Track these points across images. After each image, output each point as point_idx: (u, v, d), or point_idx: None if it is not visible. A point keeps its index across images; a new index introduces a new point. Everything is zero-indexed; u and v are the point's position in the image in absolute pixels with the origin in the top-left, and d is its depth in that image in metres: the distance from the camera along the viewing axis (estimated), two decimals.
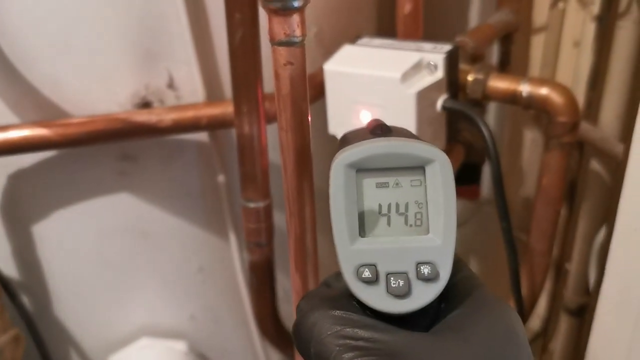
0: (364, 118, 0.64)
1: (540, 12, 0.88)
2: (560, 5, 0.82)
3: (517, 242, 0.95)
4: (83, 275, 0.75)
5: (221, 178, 0.72)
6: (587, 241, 0.85)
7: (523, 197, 0.99)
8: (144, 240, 0.73)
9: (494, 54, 0.92)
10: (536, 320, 0.95)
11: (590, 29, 0.77)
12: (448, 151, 0.75)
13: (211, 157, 0.71)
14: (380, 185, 0.33)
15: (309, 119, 0.43)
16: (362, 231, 0.33)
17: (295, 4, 0.39)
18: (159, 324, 0.79)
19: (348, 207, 0.32)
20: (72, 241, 0.73)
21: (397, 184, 0.33)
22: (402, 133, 0.37)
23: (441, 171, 0.32)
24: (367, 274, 0.32)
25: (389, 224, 0.33)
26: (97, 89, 0.66)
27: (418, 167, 0.33)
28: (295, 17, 0.40)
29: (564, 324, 0.91)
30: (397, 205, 0.33)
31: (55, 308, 0.76)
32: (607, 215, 0.82)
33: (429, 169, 0.32)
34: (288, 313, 0.78)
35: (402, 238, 0.33)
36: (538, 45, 0.90)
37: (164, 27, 0.64)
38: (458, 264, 0.35)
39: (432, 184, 0.32)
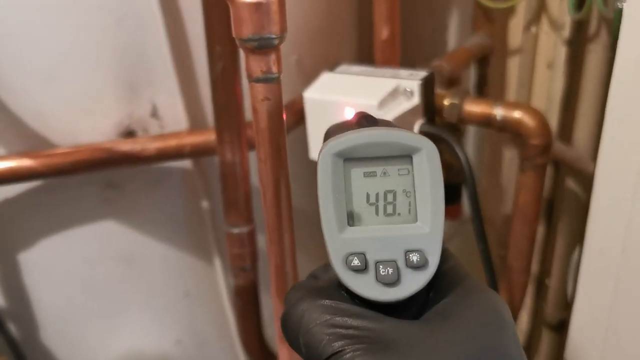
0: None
1: (515, 35, 0.91)
2: (533, 29, 0.85)
3: (499, 258, 0.97)
4: (69, 302, 0.76)
5: (205, 204, 0.73)
6: (565, 257, 0.87)
7: (504, 214, 1.01)
8: (130, 266, 0.74)
9: (471, 76, 0.95)
10: (519, 336, 0.97)
11: (562, 52, 0.80)
12: None
13: (195, 184, 0.72)
14: (368, 174, 0.33)
15: (287, 151, 0.44)
16: (351, 220, 0.33)
17: (271, 43, 0.41)
18: (146, 349, 0.80)
19: (336, 196, 0.32)
20: (58, 269, 0.73)
21: (384, 172, 0.33)
22: (388, 124, 0.37)
23: (428, 159, 0.32)
24: (356, 262, 0.32)
25: (377, 212, 0.33)
26: (81, 119, 0.67)
27: (405, 156, 0.33)
28: (272, 55, 0.41)
29: (546, 339, 0.93)
30: (385, 194, 0.33)
31: (42, 335, 0.77)
32: (583, 232, 0.85)
33: (416, 158, 0.32)
34: (274, 336, 0.79)
35: (391, 226, 0.33)
36: (514, 67, 0.92)
37: (147, 58, 0.66)
38: (445, 254, 0.35)
39: (420, 172, 0.33)
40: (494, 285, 0.66)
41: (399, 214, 0.33)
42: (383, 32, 0.76)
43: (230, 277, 0.74)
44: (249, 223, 0.67)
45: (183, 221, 0.74)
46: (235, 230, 0.66)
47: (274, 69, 0.41)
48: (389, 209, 0.33)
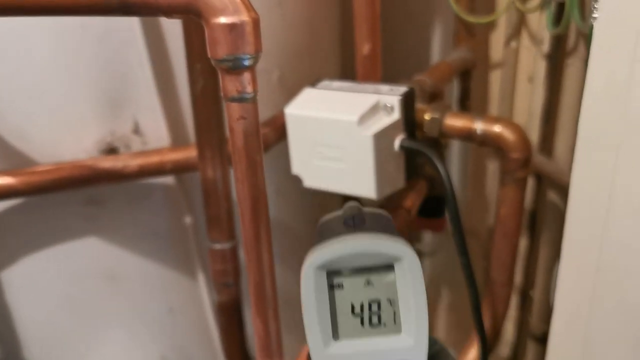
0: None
1: (496, 50, 0.92)
2: (513, 44, 0.86)
3: (484, 270, 0.98)
4: (52, 320, 0.75)
5: (188, 220, 0.73)
6: (548, 269, 0.87)
7: (488, 226, 1.02)
8: (113, 283, 0.74)
9: (454, 90, 0.95)
10: (505, 348, 0.97)
11: (542, 66, 0.81)
12: (411, 187, 0.77)
13: (178, 200, 0.73)
14: (351, 285, 0.33)
15: (263, 169, 0.45)
16: (336, 334, 0.33)
17: (245, 63, 0.41)
18: None
19: (320, 310, 0.32)
20: (40, 286, 0.73)
21: (368, 282, 0.33)
22: (377, 222, 0.36)
23: (410, 268, 0.32)
24: None
25: (362, 323, 0.33)
26: (63, 137, 0.67)
27: (388, 265, 0.33)
28: (247, 75, 0.42)
29: (531, 350, 0.93)
30: (370, 304, 0.33)
31: (24, 353, 0.76)
32: None
33: (398, 267, 0.32)
34: None
35: (376, 339, 0.33)
36: (495, 81, 0.93)
37: (129, 75, 0.66)
38: (441, 355, 0.36)
39: (402, 281, 0.32)
40: (476, 298, 0.67)
41: (384, 325, 0.33)
42: (364, 48, 0.77)
43: (213, 293, 0.74)
44: (231, 239, 0.67)
45: (166, 237, 0.74)
46: (218, 246, 0.66)
47: (249, 89, 0.42)
48: (374, 319, 0.33)
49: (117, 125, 0.68)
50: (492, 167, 0.99)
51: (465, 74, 0.92)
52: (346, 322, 0.33)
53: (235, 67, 0.41)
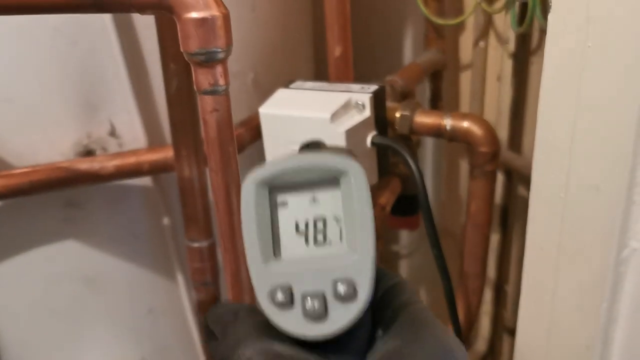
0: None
1: (465, 51, 0.94)
2: (482, 43, 0.89)
3: (459, 269, 1.00)
4: (31, 324, 0.75)
5: (166, 220, 0.74)
6: (521, 263, 0.89)
7: (462, 223, 1.04)
8: (92, 285, 0.75)
9: (426, 91, 0.98)
10: (481, 342, 0.99)
11: (508, 65, 0.84)
12: (385, 184, 0.79)
13: (155, 200, 0.73)
14: (295, 203, 0.31)
15: (237, 160, 0.46)
16: (278, 251, 0.31)
17: (217, 57, 0.42)
18: None
19: (261, 226, 0.30)
20: (18, 291, 0.73)
21: (314, 199, 0.31)
22: (335, 150, 0.34)
23: (355, 183, 0.30)
24: (280, 296, 0.29)
25: (307, 242, 0.31)
26: (39, 140, 0.67)
27: (332, 180, 0.31)
28: (218, 68, 0.43)
29: (507, 344, 0.95)
30: (315, 222, 0.31)
31: (1, 357, 0.76)
32: None
33: (343, 182, 0.30)
34: None
35: (319, 255, 0.30)
36: (466, 81, 0.96)
37: (103, 77, 0.67)
38: (398, 287, 0.33)
39: (348, 197, 0.30)
40: (449, 287, 0.68)
41: (330, 242, 0.31)
42: (336, 50, 0.79)
43: (193, 293, 0.74)
44: (209, 237, 0.68)
45: (145, 238, 0.74)
46: (196, 244, 0.67)
47: (221, 82, 0.43)
48: (320, 237, 0.31)
49: (93, 127, 0.69)
50: (465, 166, 1.01)
51: (436, 75, 0.95)
52: (289, 240, 0.31)
53: (207, 60, 0.42)
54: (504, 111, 0.86)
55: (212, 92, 0.43)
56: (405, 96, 0.80)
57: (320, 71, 0.94)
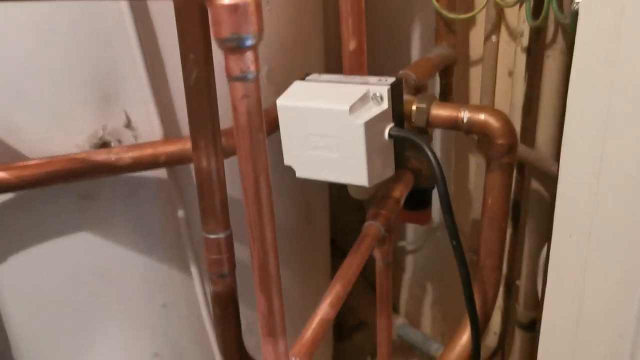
0: None
1: (476, 46, 0.94)
2: (493, 38, 0.89)
3: (470, 263, 1.00)
4: (44, 318, 0.75)
5: (181, 213, 0.74)
6: (533, 257, 0.89)
7: (471, 220, 1.04)
8: (106, 279, 0.74)
9: (436, 87, 0.98)
10: (492, 337, 0.99)
11: (522, 59, 0.84)
12: (399, 178, 0.79)
13: (170, 193, 0.73)
14: None
15: (266, 148, 0.46)
16: None
17: (249, 43, 0.42)
18: None
19: None
20: (31, 284, 0.73)
21: None
22: None
23: None
24: None
25: None
26: (54, 132, 0.67)
27: None
28: (249, 55, 0.43)
29: (519, 338, 0.95)
30: None
31: (15, 353, 0.76)
32: (550, 231, 0.88)
33: None
34: (253, 344, 0.79)
35: None
36: (476, 76, 0.96)
37: (120, 69, 0.67)
38: None
39: None
40: (467, 278, 0.68)
41: None
42: (351, 43, 0.78)
43: (208, 285, 0.74)
44: (226, 229, 0.67)
45: (159, 231, 0.74)
46: (213, 236, 0.67)
47: (252, 68, 0.43)
48: None
49: (109, 119, 0.68)
50: (474, 162, 1.01)
51: (447, 70, 0.94)
52: None
53: (238, 47, 0.42)
54: (517, 106, 0.86)
55: (243, 79, 0.43)
56: (418, 90, 0.80)
57: (330, 65, 0.94)
